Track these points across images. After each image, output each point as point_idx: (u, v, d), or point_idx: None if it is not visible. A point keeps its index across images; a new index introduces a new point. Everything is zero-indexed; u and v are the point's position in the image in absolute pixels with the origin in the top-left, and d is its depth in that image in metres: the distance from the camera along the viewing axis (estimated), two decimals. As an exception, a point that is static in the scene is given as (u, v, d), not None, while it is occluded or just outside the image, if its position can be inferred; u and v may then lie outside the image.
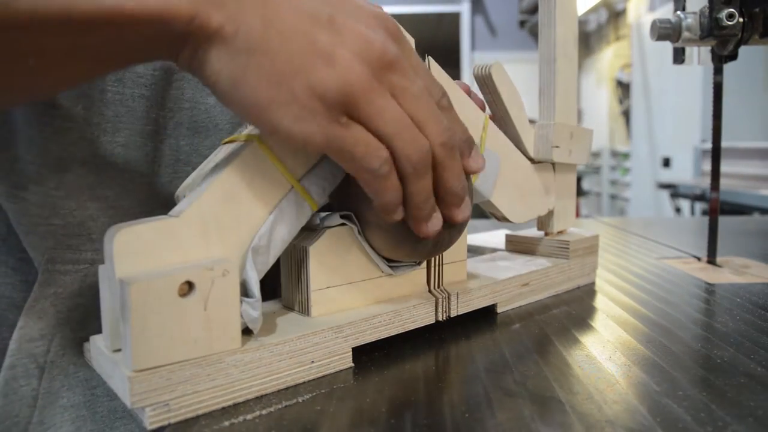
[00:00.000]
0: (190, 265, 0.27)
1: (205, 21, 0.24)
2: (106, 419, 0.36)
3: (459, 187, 0.30)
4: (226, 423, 0.26)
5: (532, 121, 0.49)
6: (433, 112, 0.28)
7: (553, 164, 0.50)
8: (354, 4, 0.27)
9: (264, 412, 0.27)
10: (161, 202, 0.39)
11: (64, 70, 0.25)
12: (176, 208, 0.28)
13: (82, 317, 0.36)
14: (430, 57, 0.38)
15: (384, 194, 0.28)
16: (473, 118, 0.42)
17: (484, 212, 0.47)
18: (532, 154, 0.47)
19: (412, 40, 0.37)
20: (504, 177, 0.44)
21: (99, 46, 0.24)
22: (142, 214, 0.35)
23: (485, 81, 0.44)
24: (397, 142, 0.27)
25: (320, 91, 0.25)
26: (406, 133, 0.27)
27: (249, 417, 0.27)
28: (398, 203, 0.29)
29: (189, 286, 0.26)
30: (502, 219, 0.46)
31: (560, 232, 0.52)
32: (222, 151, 0.32)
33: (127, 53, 0.25)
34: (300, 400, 0.29)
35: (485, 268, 0.46)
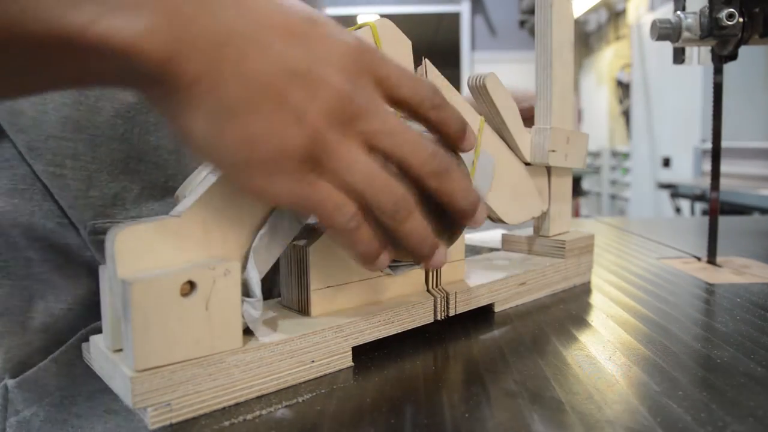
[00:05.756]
0: (192, 264, 0.27)
1: (180, 69, 0.22)
2: None
3: (467, 202, 0.29)
4: (226, 423, 0.26)
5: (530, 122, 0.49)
6: (413, 144, 0.27)
7: (549, 168, 0.50)
8: (330, 43, 0.25)
9: (264, 411, 0.27)
10: (185, 175, 0.42)
11: (8, 83, 0.23)
12: (177, 208, 0.28)
13: None
14: (426, 60, 0.38)
15: (356, 246, 0.27)
16: (469, 121, 0.42)
17: None
18: (528, 158, 0.48)
19: (409, 43, 0.37)
20: (499, 179, 0.45)
21: (55, 66, 0.21)
22: (170, 188, 0.42)
23: (480, 91, 0.44)
24: (368, 193, 0.26)
25: (290, 152, 0.24)
26: (376, 183, 0.26)
27: (249, 417, 0.27)
28: (376, 253, 0.28)
29: (191, 286, 0.26)
30: (497, 220, 0.46)
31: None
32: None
33: (88, 77, 0.23)
34: (300, 400, 0.29)
35: (483, 267, 0.46)
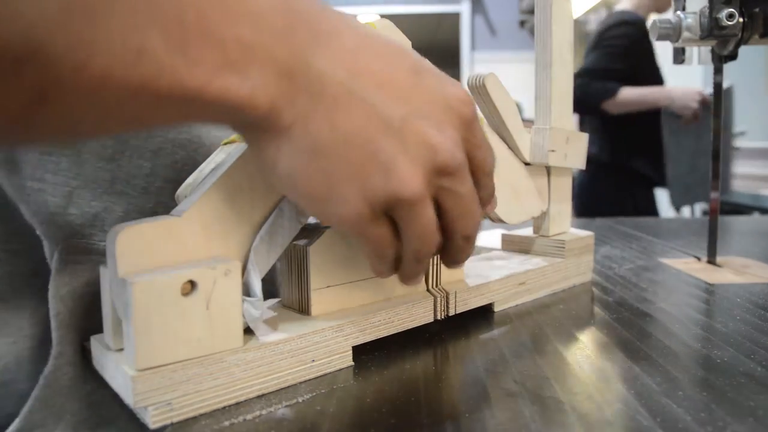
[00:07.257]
0: (193, 264, 0.27)
1: (277, 116, 0.23)
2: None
3: (468, 255, 0.31)
4: (227, 423, 0.26)
5: (530, 122, 0.49)
6: (471, 213, 0.29)
7: (548, 168, 0.50)
8: (431, 95, 0.26)
9: (264, 411, 0.27)
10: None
11: (114, 126, 0.23)
12: (178, 208, 0.28)
13: (92, 307, 0.36)
14: (425, 60, 0.38)
15: (377, 267, 0.29)
16: None
17: None
18: (528, 158, 0.48)
19: (408, 43, 0.37)
20: (499, 178, 0.45)
21: (163, 112, 0.22)
22: (157, 215, 0.37)
23: (480, 92, 0.44)
24: (414, 242, 0.27)
25: (370, 198, 0.25)
26: (427, 237, 0.27)
27: (249, 417, 0.27)
28: (389, 273, 0.30)
29: (191, 286, 0.26)
30: (497, 220, 0.46)
31: None
32: (222, 152, 0.32)
33: (190, 120, 0.25)
34: (300, 399, 0.29)
35: (482, 267, 0.46)
